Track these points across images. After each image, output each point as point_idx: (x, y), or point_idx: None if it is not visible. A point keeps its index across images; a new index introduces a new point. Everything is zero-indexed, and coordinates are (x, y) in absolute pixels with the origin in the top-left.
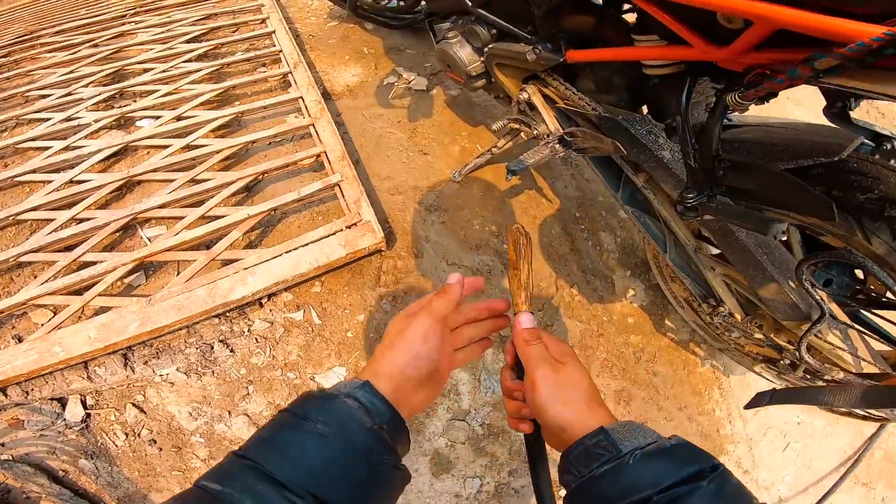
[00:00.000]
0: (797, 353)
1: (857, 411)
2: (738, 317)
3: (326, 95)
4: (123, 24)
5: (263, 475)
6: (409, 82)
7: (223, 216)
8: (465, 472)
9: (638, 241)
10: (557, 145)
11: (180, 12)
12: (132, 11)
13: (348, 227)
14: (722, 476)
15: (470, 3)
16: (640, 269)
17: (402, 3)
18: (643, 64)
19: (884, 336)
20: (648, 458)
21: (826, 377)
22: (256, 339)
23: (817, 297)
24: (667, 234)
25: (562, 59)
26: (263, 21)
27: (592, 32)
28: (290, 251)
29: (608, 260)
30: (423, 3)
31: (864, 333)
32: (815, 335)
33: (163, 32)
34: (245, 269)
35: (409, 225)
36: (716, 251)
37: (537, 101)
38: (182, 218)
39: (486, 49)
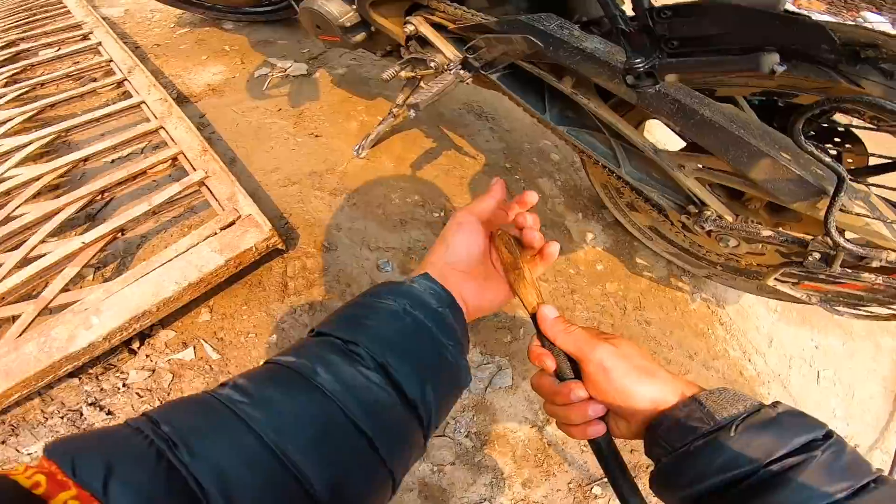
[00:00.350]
0: (828, 240)
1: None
2: (729, 219)
3: (182, 99)
4: None
5: (337, 347)
6: (286, 70)
7: (49, 253)
8: (466, 499)
9: (581, 181)
10: (461, 71)
11: None
12: None
13: (223, 228)
14: (837, 444)
15: None
16: (591, 208)
17: None
18: None
19: None
20: (753, 430)
21: (873, 263)
22: (138, 393)
23: (827, 160)
24: (615, 144)
25: None
26: (86, 36)
27: None
28: (147, 274)
29: (555, 207)
30: None
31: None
32: (840, 209)
33: None
34: (86, 309)
35: (312, 216)
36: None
37: (427, 31)
38: None
39: None
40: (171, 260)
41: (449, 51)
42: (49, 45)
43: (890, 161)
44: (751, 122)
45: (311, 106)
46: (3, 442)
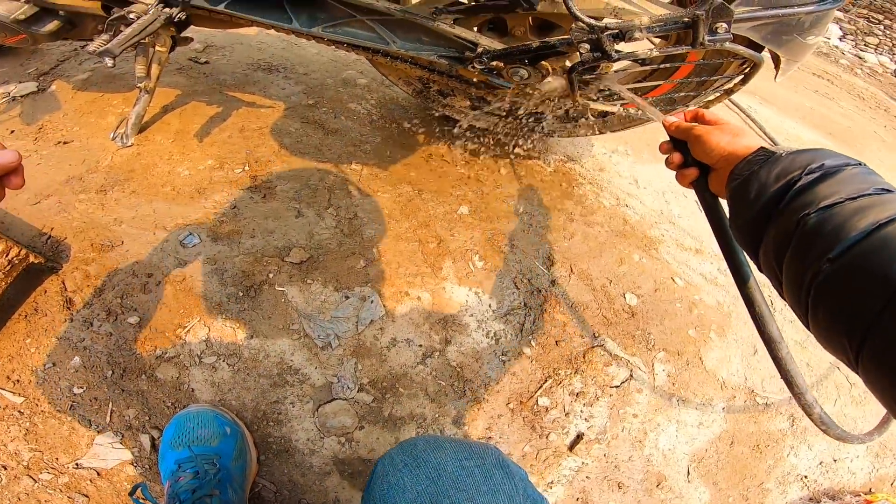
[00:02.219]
0: (582, 24)
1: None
2: (499, 45)
3: None
4: None
5: None
6: (10, 93)
7: None
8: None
9: (394, 93)
10: (164, 7)
11: None
12: None
13: None
14: (867, 167)
15: None
16: (407, 111)
17: None
18: None
19: None
20: (798, 153)
21: (635, 34)
22: None
23: None
24: (374, 25)
25: None
26: None
27: None
28: None
29: (375, 122)
30: None
31: None
32: None
33: None
34: None
35: (81, 221)
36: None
37: None
38: None
39: None
40: None
41: None
42: None
43: None
44: None
45: (51, 117)
46: None
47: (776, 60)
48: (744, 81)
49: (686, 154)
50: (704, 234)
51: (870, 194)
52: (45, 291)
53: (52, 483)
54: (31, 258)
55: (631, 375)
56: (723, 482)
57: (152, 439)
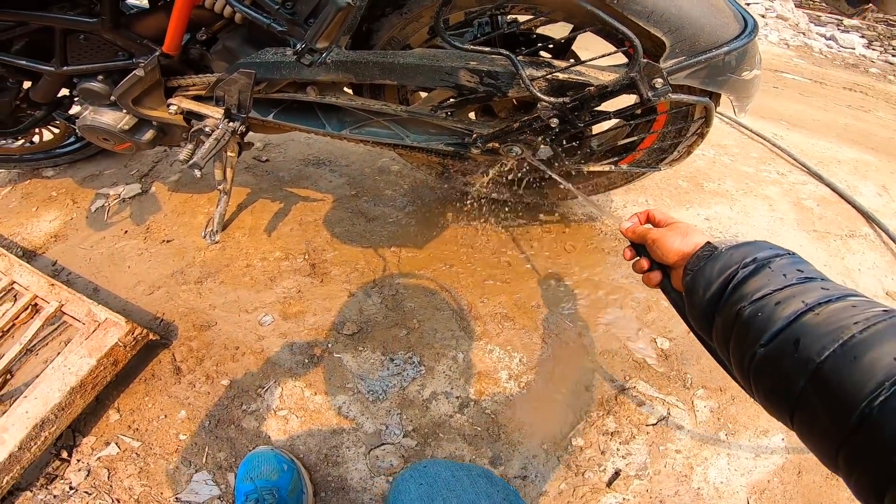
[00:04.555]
0: (545, 103)
1: None
2: (491, 130)
3: (30, 254)
4: None
5: None
6: (121, 195)
7: None
8: None
9: (423, 176)
10: (228, 122)
11: None
12: None
13: (87, 337)
14: (796, 257)
15: (55, 69)
16: (434, 191)
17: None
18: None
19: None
20: (735, 247)
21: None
22: (87, 491)
23: (487, 49)
24: (389, 124)
25: (159, 53)
26: None
27: (163, 20)
28: (33, 390)
29: (406, 207)
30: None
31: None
32: (531, 78)
33: None
34: None
35: (185, 307)
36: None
37: (188, 104)
38: None
39: (114, 98)
40: (48, 374)
41: (213, 111)
42: None
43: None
44: (435, 52)
45: (155, 217)
46: None
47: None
48: (706, 124)
49: (648, 257)
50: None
51: (793, 284)
52: (160, 361)
53: None
54: (150, 336)
55: (668, 413)
56: None
57: (236, 477)
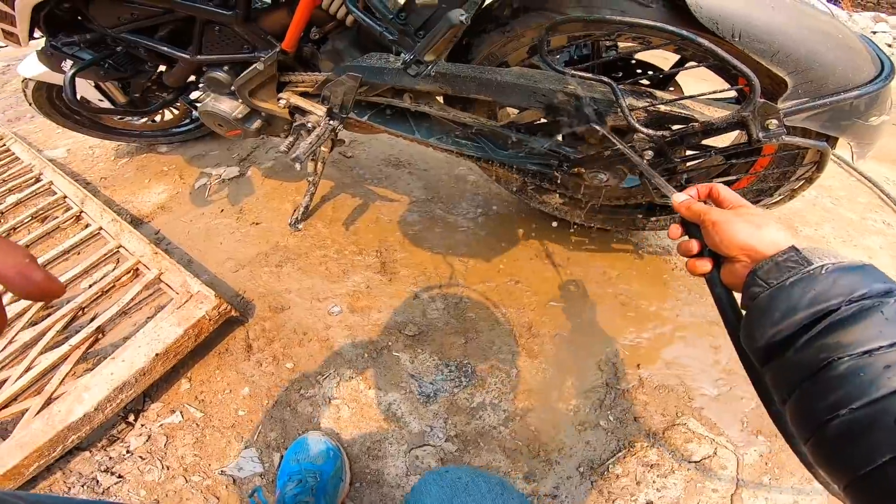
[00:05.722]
0: (642, 134)
1: None
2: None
3: (137, 221)
4: None
5: None
6: (221, 175)
7: (43, 361)
8: None
9: (498, 190)
10: (330, 120)
11: None
12: None
13: (179, 307)
14: None
15: (190, 56)
16: (508, 206)
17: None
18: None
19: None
20: (841, 272)
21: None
22: (141, 456)
23: (589, 75)
24: (477, 137)
25: (279, 49)
26: (37, 178)
27: (285, 18)
28: (122, 352)
29: (477, 217)
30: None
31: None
32: (630, 107)
33: None
34: (77, 387)
35: (264, 288)
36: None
37: (296, 100)
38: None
39: (234, 88)
40: (139, 338)
41: (317, 109)
42: (10, 191)
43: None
44: (533, 73)
45: (248, 200)
46: None
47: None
48: (818, 169)
49: (700, 240)
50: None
51: None
52: (235, 337)
53: (198, 484)
54: (232, 312)
55: (714, 453)
56: None
57: (281, 457)
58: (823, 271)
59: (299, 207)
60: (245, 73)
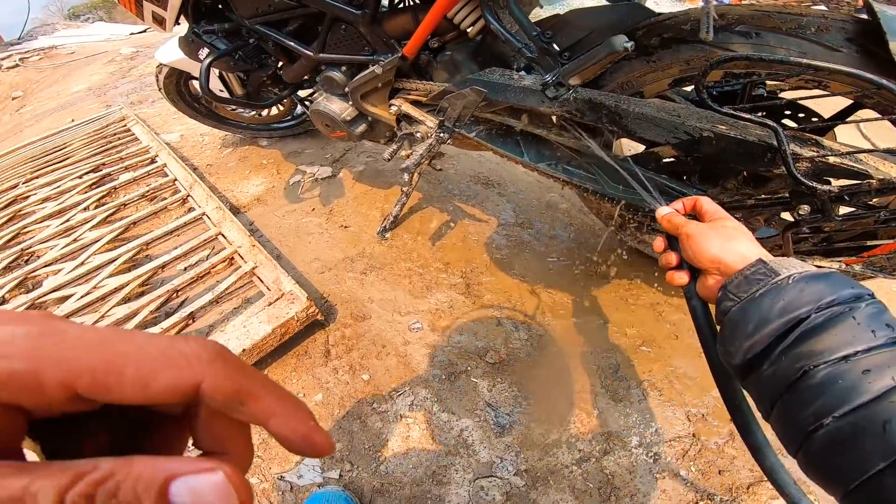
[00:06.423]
0: (803, 188)
1: None
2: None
3: (235, 210)
4: (17, 187)
5: None
6: (314, 174)
7: None
8: None
9: (591, 221)
10: (440, 133)
11: (69, 168)
12: (24, 179)
13: (270, 304)
14: (880, 304)
15: (313, 54)
16: (599, 240)
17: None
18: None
19: None
20: (808, 280)
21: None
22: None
23: (752, 116)
24: (591, 166)
25: (400, 54)
26: (153, 159)
27: (410, 23)
28: None
29: (566, 247)
30: (299, 107)
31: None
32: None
33: (55, 189)
34: None
35: (348, 294)
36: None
37: (408, 108)
38: None
39: (347, 90)
40: (228, 331)
41: (429, 119)
42: (125, 168)
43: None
44: (678, 107)
45: (338, 202)
46: None
47: None
48: None
49: (679, 253)
50: None
51: (883, 347)
52: (315, 340)
53: (254, 487)
54: (318, 315)
55: None
56: None
57: (340, 474)
58: (790, 281)
59: (388, 216)
60: (362, 74)
